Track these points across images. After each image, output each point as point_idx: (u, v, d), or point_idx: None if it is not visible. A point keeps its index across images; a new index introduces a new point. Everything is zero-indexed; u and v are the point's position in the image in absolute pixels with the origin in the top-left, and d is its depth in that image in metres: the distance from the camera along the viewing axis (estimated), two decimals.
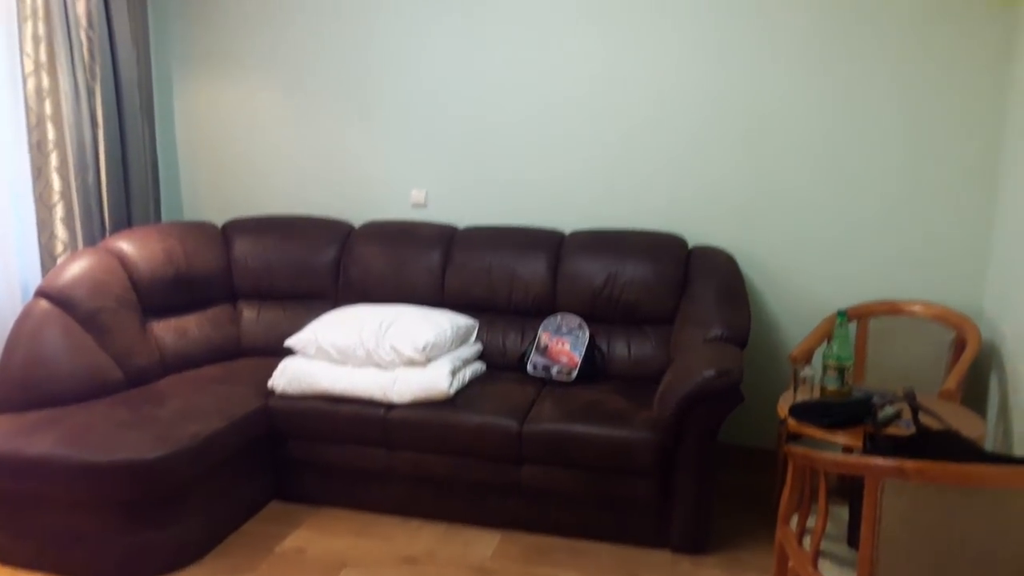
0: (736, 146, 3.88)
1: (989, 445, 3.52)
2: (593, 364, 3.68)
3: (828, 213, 3.83)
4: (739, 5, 3.76)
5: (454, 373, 3.45)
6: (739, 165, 3.89)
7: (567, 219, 4.17)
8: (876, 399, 2.80)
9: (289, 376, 3.48)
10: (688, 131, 3.93)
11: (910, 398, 2.60)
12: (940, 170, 3.67)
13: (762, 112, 3.82)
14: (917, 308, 3.65)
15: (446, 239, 4.09)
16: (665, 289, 3.73)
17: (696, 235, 3.99)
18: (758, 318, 3.96)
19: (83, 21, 3.87)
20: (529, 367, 3.72)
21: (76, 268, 3.54)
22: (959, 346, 3.44)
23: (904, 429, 2.62)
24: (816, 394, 3.01)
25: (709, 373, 2.94)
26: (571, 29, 4.01)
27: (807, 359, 3.41)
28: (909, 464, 1.83)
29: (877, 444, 2.31)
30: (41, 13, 3.68)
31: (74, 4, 3.81)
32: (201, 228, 4.20)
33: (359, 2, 4.25)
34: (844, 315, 2.96)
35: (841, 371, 2.93)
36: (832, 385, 2.94)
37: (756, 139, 3.85)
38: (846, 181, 3.78)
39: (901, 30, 3.60)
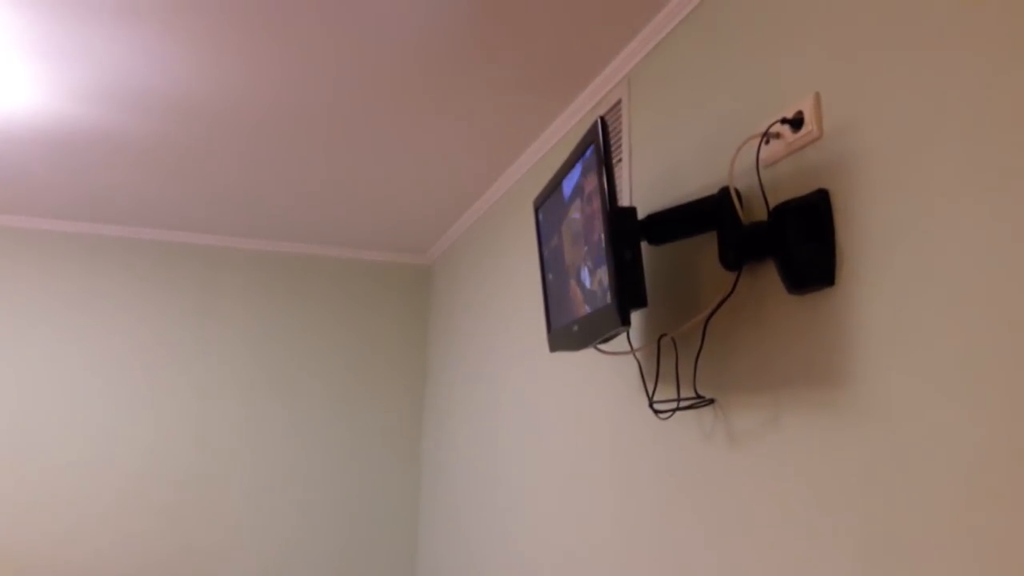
0: (166, 508, 3.63)
1: None
2: None
3: (263, 572, 3.73)
4: (175, 373, 3.75)
5: None
6: (169, 528, 3.62)
7: None
8: None
9: None
10: (114, 490, 3.57)
11: None
12: (368, 527, 3.88)
13: (192, 474, 3.69)
14: None
15: None
16: None
17: None
18: None
19: None
20: None
21: None
22: None
23: None
24: None
25: None
26: None
27: None
28: None
29: None
30: None
31: None
32: None
33: None
34: None
35: None
36: None
37: (186, 501, 3.67)
38: (277, 540, 3.76)
39: (327, 392, 3.95)
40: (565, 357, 2.32)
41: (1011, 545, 0.95)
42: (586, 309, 1.66)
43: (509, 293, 2.87)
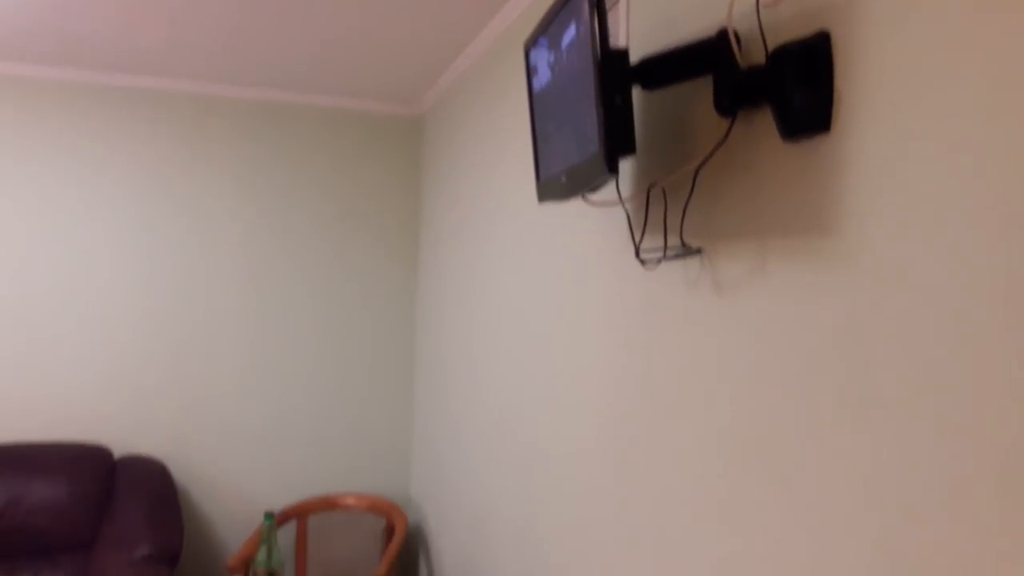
0: (166, 353, 3.68)
1: None
2: None
3: (262, 415, 3.82)
4: (169, 220, 3.70)
5: None
6: (170, 372, 3.68)
7: None
8: None
9: None
10: (115, 338, 3.61)
11: None
12: (365, 371, 3.97)
13: (190, 319, 3.72)
14: (350, 500, 3.74)
15: None
16: (83, 509, 3.20)
17: (124, 444, 3.62)
18: (197, 529, 3.72)
19: None
20: None
21: None
22: (389, 533, 3.56)
23: None
24: None
25: None
26: None
27: (245, 567, 3.22)
28: None
29: None
30: None
31: None
32: None
33: None
34: (271, 518, 2.89)
35: None
36: None
37: (186, 346, 3.71)
38: (276, 383, 3.84)
39: (323, 241, 3.93)
40: (555, 208, 2.30)
41: (988, 398, 0.95)
42: (574, 157, 1.62)
43: (501, 143, 2.81)
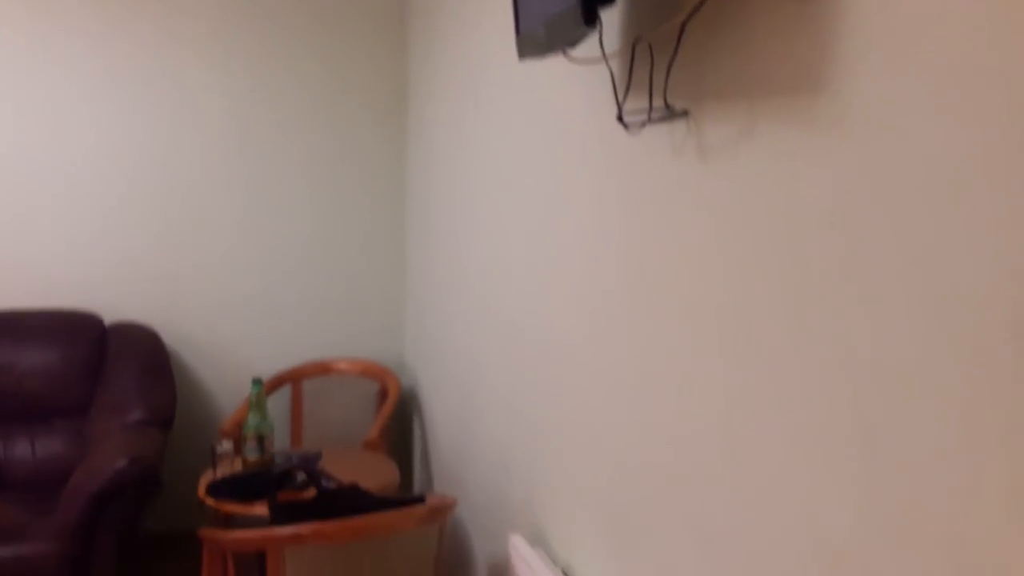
0: (155, 219, 3.61)
1: (416, 487, 3.78)
2: None
3: (253, 281, 3.77)
4: (153, 79, 3.54)
5: None
6: (159, 238, 3.62)
7: None
8: (280, 464, 2.81)
9: None
10: (103, 204, 3.54)
11: (308, 460, 2.69)
12: (356, 235, 3.88)
13: (179, 183, 3.62)
14: (344, 365, 3.76)
15: None
16: (76, 374, 3.26)
17: (114, 311, 3.60)
18: (190, 394, 3.73)
19: None
20: None
21: None
22: (383, 397, 3.61)
23: (308, 492, 2.64)
24: (239, 467, 2.91)
25: (121, 463, 2.63)
26: None
27: (238, 431, 3.26)
28: (305, 529, 1.88)
29: (278, 513, 2.23)
30: None
31: None
32: None
33: None
34: (259, 384, 2.92)
35: (260, 440, 2.88)
36: (252, 455, 2.89)
37: (175, 211, 3.63)
38: (267, 249, 3.77)
39: (313, 106, 3.76)
40: (538, 67, 2.16)
41: (978, 270, 0.88)
42: (553, 6, 1.48)
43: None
